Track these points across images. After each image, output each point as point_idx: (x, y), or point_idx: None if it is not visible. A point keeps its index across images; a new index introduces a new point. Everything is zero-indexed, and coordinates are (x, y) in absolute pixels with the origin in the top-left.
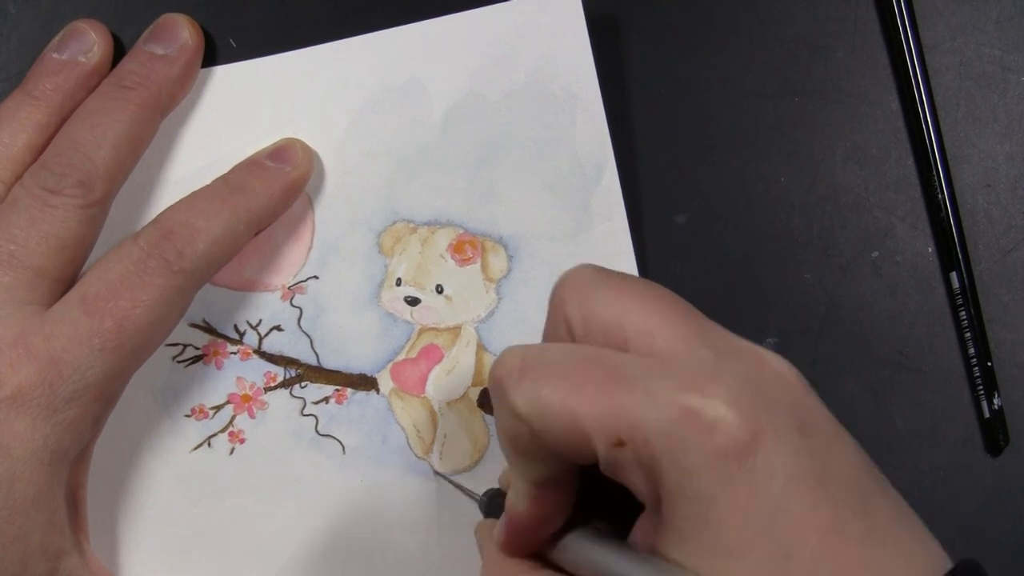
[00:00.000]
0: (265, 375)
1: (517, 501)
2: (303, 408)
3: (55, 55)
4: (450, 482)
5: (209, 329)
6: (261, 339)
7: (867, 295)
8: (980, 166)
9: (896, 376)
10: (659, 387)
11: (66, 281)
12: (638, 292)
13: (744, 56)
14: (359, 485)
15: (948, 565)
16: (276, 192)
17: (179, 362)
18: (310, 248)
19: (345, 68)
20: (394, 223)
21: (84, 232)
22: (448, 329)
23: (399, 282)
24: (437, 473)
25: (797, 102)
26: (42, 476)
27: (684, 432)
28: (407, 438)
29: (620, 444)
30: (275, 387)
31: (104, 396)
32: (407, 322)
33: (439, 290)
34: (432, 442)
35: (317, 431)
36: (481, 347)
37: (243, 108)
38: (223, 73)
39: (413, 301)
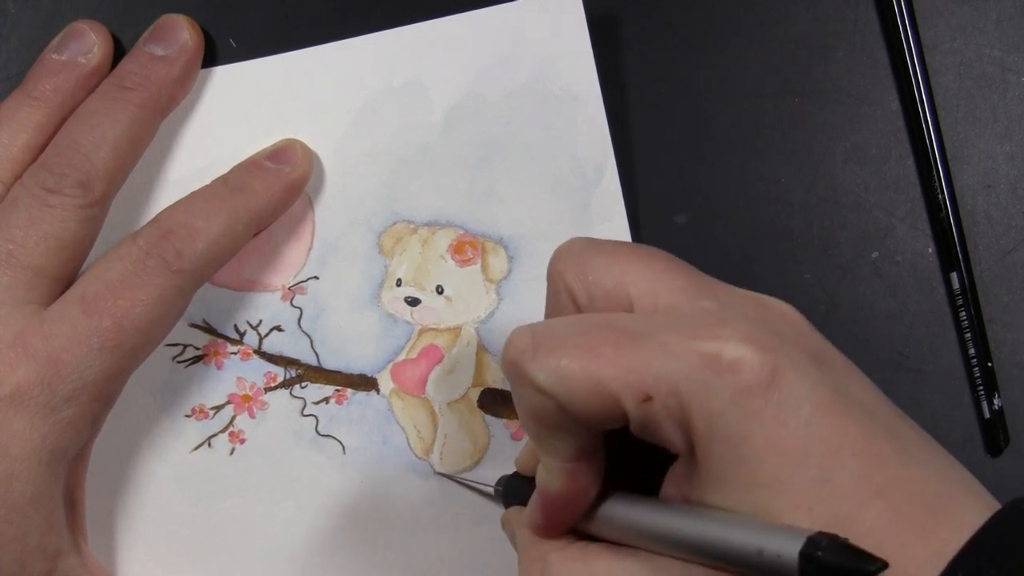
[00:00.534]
0: (265, 375)
1: (551, 480)
2: (303, 408)
3: (55, 56)
4: (457, 481)
5: (209, 329)
6: (261, 339)
7: (867, 295)
8: (980, 166)
9: (896, 376)
10: (673, 338)
11: (65, 281)
12: (635, 254)
13: (744, 56)
14: (359, 485)
15: (979, 487)
16: (276, 193)
17: (179, 362)
18: (310, 248)
19: (345, 68)
20: (394, 223)
21: (83, 232)
22: (448, 329)
23: (399, 282)
24: (440, 474)
25: (797, 102)
26: (40, 475)
27: (707, 376)
28: (407, 438)
29: (648, 399)
30: (275, 387)
31: (103, 395)
32: (407, 322)
33: (439, 291)
34: (432, 442)
35: (317, 431)
36: (481, 348)
37: (243, 108)
38: (223, 73)
39: (413, 301)
